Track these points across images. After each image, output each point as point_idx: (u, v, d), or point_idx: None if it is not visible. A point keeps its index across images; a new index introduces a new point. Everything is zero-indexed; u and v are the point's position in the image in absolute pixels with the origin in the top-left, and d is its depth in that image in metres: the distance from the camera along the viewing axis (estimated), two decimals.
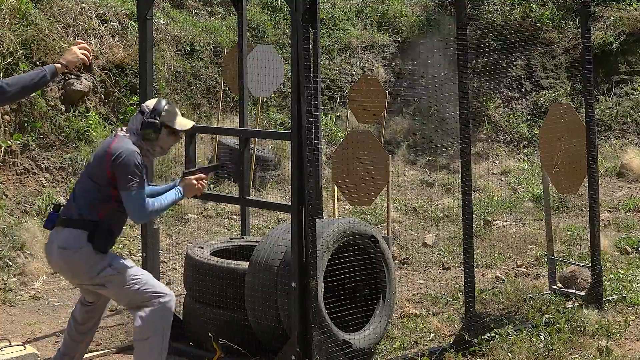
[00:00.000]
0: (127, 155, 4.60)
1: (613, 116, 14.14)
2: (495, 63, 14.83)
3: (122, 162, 4.58)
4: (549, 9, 15.46)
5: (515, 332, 5.63)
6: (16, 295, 7.20)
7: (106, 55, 11.63)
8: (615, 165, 12.53)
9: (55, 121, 10.31)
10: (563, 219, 9.82)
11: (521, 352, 5.36)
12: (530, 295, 6.68)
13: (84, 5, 11.97)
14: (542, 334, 5.63)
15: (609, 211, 10.26)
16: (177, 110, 4.89)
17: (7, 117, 9.83)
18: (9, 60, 10.22)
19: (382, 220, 9.73)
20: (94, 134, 10.58)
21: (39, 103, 10.10)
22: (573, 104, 13.44)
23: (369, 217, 10.01)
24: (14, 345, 4.98)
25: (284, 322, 5.21)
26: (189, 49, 12.91)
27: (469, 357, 5.45)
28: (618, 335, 5.79)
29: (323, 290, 5.29)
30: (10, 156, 9.76)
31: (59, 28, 11.26)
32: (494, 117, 14.50)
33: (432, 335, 6.02)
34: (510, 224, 9.73)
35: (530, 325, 5.83)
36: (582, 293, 6.47)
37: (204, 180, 5.01)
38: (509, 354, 5.35)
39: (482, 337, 5.52)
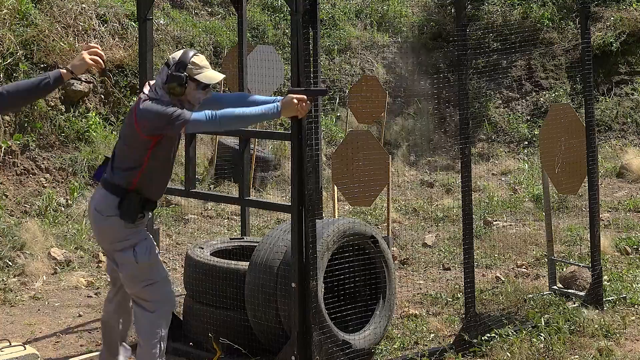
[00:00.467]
0: (149, 105, 4.41)
1: (613, 116, 14.14)
2: (495, 63, 14.83)
3: (147, 112, 4.40)
4: (549, 9, 15.46)
5: (515, 333, 5.64)
6: (16, 296, 7.20)
7: (106, 56, 11.62)
8: (615, 165, 12.53)
9: (55, 121, 10.31)
10: (563, 219, 9.82)
11: (521, 353, 5.36)
12: (530, 295, 6.68)
13: (84, 5, 11.97)
14: (542, 334, 5.63)
15: (609, 211, 10.25)
16: (205, 62, 4.61)
17: (7, 118, 9.84)
18: (9, 60, 10.22)
19: (382, 220, 9.73)
20: (94, 134, 10.58)
21: (39, 103, 10.10)
22: (573, 104, 13.44)
23: (369, 217, 10.01)
24: (14, 346, 4.98)
25: (284, 322, 5.21)
26: (189, 48, 12.90)
27: (469, 357, 5.45)
28: (618, 335, 5.79)
29: (323, 290, 5.29)
30: (10, 156, 9.76)
31: (59, 28, 11.26)
32: (494, 117, 14.50)
33: (432, 335, 6.02)
34: (511, 225, 9.73)
35: (530, 326, 5.83)
36: (582, 293, 6.47)
37: (306, 103, 4.58)
38: (508, 354, 5.35)
39: (482, 338, 5.52)
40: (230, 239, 6.39)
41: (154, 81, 4.62)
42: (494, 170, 13.05)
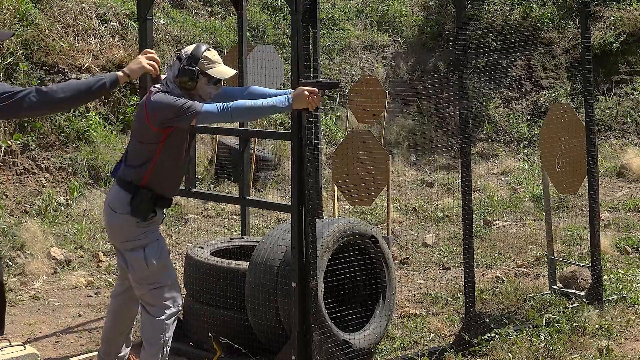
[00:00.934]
0: (160, 96, 4.38)
1: (613, 116, 14.14)
2: (495, 63, 14.83)
3: (157, 103, 4.37)
4: (549, 9, 15.46)
5: (515, 332, 5.64)
6: (16, 295, 7.20)
7: (106, 55, 11.62)
8: (615, 165, 12.53)
9: (55, 121, 10.31)
10: (563, 219, 9.82)
11: (521, 352, 5.36)
12: (530, 295, 6.68)
13: (84, 5, 11.96)
14: (542, 334, 5.63)
15: (609, 211, 10.25)
16: (217, 56, 4.57)
17: None
18: (9, 60, 10.22)
19: (382, 220, 9.73)
20: (94, 134, 10.58)
21: None
22: (573, 104, 13.44)
23: (369, 217, 10.01)
24: (14, 345, 4.98)
25: (284, 322, 5.21)
26: None
27: (469, 357, 5.45)
28: (618, 335, 5.79)
29: (323, 290, 5.29)
30: (10, 156, 9.76)
31: (59, 28, 11.26)
32: (494, 117, 14.50)
33: (432, 335, 6.02)
34: (511, 224, 9.73)
35: (530, 325, 5.83)
36: (582, 293, 6.47)
37: (317, 96, 4.52)
38: (509, 354, 5.35)
39: (482, 337, 5.52)
40: (230, 238, 6.39)
41: (164, 75, 4.59)
42: (494, 170, 13.05)
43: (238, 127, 6.53)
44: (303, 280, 4.96)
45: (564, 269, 7.25)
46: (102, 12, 12.17)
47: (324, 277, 5.29)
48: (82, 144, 10.46)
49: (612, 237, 8.65)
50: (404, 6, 16.04)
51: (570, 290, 6.68)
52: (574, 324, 5.84)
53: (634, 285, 6.91)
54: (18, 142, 9.85)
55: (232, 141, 11.15)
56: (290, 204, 5.06)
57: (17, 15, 10.76)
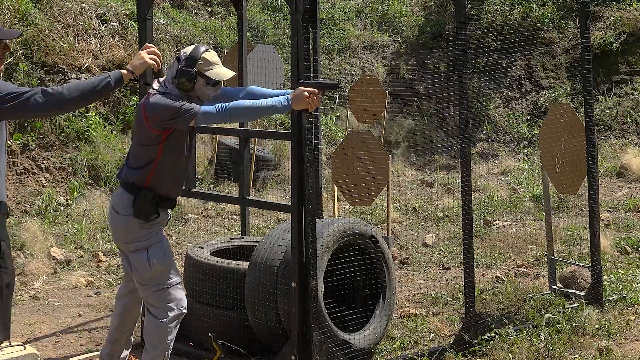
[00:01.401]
0: (157, 98, 4.37)
1: (613, 116, 14.14)
2: (495, 63, 14.83)
3: (155, 105, 4.35)
4: (549, 9, 15.46)
5: (515, 332, 5.64)
6: (16, 295, 7.20)
7: (106, 55, 11.63)
8: (615, 165, 12.53)
9: (55, 121, 10.32)
10: (563, 219, 9.82)
11: (521, 352, 5.35)
12: (530, 295, 6.68)
13: (84, 5, 11.97)
14: (542, 334, 5.63)
15: (609, 211, 10.26)
16: (216, 58, 4.55)
17: None
18: (9, 60, 10.22)
19: (382, 220, 9.73)
20: (94, 134, 10.58)
21: None
22: (573, 104, 13.44)
23: (369, 217, 10.01)
24: (14, 345, 4.97)
25: (284, 322, 5.21)
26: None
27: (469, 357, 5.45)
28: (618, 335, 5.79)
29: (323, 290, 5.29)
30: (10, 156, 9.76)
31: (59, 28, 11.26)
32: (494, 117, 14.50)
33: (432, 335, 6.02)
34: (510, 224, 9.73)
35: (530, 326, 5.82)
36: (582, 293, 6.46)
37: (317, 97, 4.51)
38: (509, 354, 5.35)
39: (482, 337, 5.52)
40: (230, 238, 6.39)
41: (163, 77, 4.57)
42: (494, 170, 13.05)
43: (238, 127, 6.53)
44: (303, 280, 4.96)
45: (564, 269, 7.25)
46: (102, 12, 12.17)
47: (324, 277, 5.29)
48: (82, 144, 10.46)
49: (612, 237, 8.66)
50: (404, 6, 16.04)
51: (570, 291, 6.68)
52: (574, 324, 5.84)
53: (633, 285, 6.91)
54: (18, 142, 9.85)
55: (232, 141, 11.15)
56: (290, 204, 5.06)
57: (17, 15, 10.76)
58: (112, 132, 10.89)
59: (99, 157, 10.38)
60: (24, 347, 4.99)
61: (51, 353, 5.85)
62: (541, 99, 14.54)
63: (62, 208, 9.50)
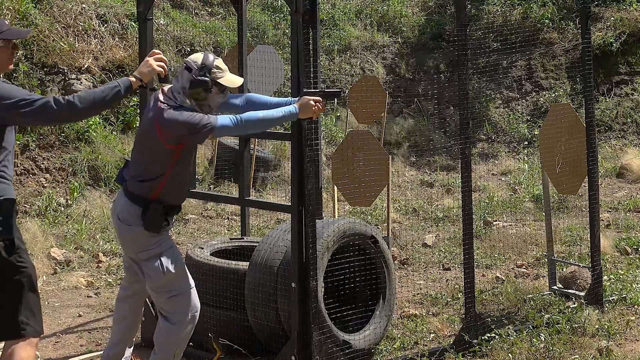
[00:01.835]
0: (173, 114, 4.28)
1: (613, 116, 14.15)
2: (496, 63, 14.83)
3: (171, 121, 4.26)
4: (549, 9, 15.46)
5: (515, 333, 5.64)
6: None
7: (106, 56, 11.63)
8: (615, 165, 12.53)
9: None
10: (563, 219, 9.82)
11: (521, 353, 5.35)
12: (530, 295, 6.68)
13: (84, 5, 11.97)
14: (542, 334, 5.63)
15: (609, 212, 10.26)
16: (224, 65, 4.52)
17: None
18: None
19: (382, 220, 9.73)
20: (94, 134, 10.58)
21: None
22: (573, 104, 13.44)
23: (369, 217, 10.01)
24: None
25: (284, 322, 5.21)
26: (189, 49, 12.91)
27: (469, 357, 5.45)
28: (618, 335, 5.79)
29: (323, 290, 5.29)
30: None
31: (59, 28, 11.26)
32: (494, 117, 14.50)
33: (432, 335, 6.02)
34: (510, 225, 9.73)
35: (530, 326, 5.82)
36: (582, 293, 6.46)
37: (321, 105, 4.58)
38: (509, 354, 5.35)
39: (482, 338, 5.52)
40: (230, 239, 6.39)
41: (168, 86, 4.47)
42: (494, 170, 13.06)
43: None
44: (303, 281, 4.96)
45: (564, 270, 7.25)
46: (102, 12, 12.17)
47: (324, 277, 5.29)
48: (82, 145, 10.46)
49: (612, 238, 8.66)
50: (404, 6, 16.04)
51: (570, 291, 6.68)
52: (574, 324, 5.84)
53: (634, 285, 6.91)
54: (18, 142, 9.85)
55: (232, 141, 11.15)
56: (290, 204, 5.06)
57: (17, 16, 10.76)
58: (112, 133, 10.89)
59: (99, 158, 10.38)
60: None
61: (51, 353, 5.85)
62: (541, 99, 14.54)
63: (62, 208, 9.50)
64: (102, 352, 5.80)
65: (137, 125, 10.05)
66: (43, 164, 10.03)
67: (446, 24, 15.54)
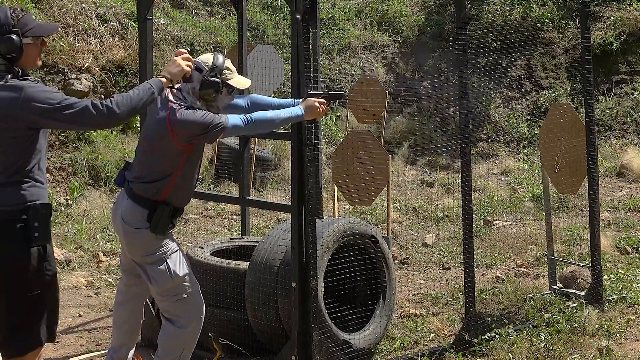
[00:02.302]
0: (186, 113, 4.25)
1: (613, 116, 14.15)
2: (496, 63, 14.84)
3: (185, 122, 4.23)
4: (549, 9, 15.46)
5: (515, 332, 5.64)
6: None
7: (106, 55, 11.63)
8: (615, 165, 12.53)
9: None
10: (563, 219, 9.82)
11: (521, 352, 5.36)
12: (530, 295, 6.68)
13: (84, 5, 11.97)
14: (542, 334, 5.63)
15: (609, 211, 10.26)
16: (233, 66, 4.53)
17: None
18: None
19: (382, 220, 9.73)
20: (94, 134, 10.57)
21: None
22: (573, 104, 13.44)
23: (369, 217, 10.01)
24: None
25: (284, 322, 5.21)
26: (189, 49, 12.92)
27: (469, 357, 5.45)
28: (618, 335, 5.79)
29: (323, 290, 5.29)
30: None
31: (59, 28, 11.25)
32: (494, 117, 14.51)
33: (432, 335, 6.02)
34: (511, 224, 9.73)
35: (530, 325, 5.83)
36: (582, 293, 6.47)
37: (326, 107, 4.63)
38: (509, 354, 5.35)
39: (482, 337, 5.52)
40: (231, 238, 6.39)
41: (178, 85, 4.42)
42: (494, 170, 13.06)
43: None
44: (303, 280, 4.96)
45: (564, 269, 7.25)
46: (102, 12, 12.17)
47: (324, 277, 5.29)
48: (82, 144, 10.46)
49: (612, 237, 8.66)
50: (404, 6, 16.04)
51: (570, 290, 6.68)
52: (574, 324, 5.84)
53: (634, 285, 6.91)
54: None
55: (232, 141, 11.15)
56: (290, 204, 5.06)
57: None
58: (112, 133, 10.89)
59: (99, 158, 10.38)
60: None
61: (51, 353, 5.85)
62: (541, 99, 14.54)
63: (62, 208, 9.50)
64: (102, 351, 5.82)
65: (138, 125, 10.05)
66: None
67: (446, 23, 15.54)
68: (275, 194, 11.17)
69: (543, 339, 5.56)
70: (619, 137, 13.90)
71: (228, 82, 4.46)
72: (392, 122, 13.99)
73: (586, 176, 6.52)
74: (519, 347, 5.41)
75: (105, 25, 12.02)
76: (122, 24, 12.23)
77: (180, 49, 4.39)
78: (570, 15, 15.36)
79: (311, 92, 4.77)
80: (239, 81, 4.54)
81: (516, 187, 11.73)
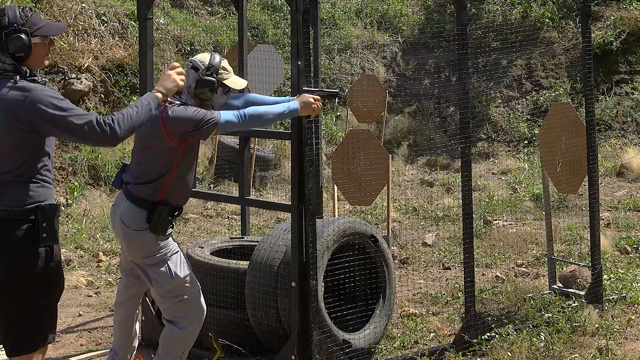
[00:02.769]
0: (178, 110, 4.27)
1: (613, 116, 14.14)
2: (496, 63, 14.84)
3: (177, 118, 4.26)
4: (549, 9, 15.46)
5: (515, 332, 5.63)
6: None
7: (106, 55, 11.63)
8: (615, 164, 12.53)
9: None
10: (563, 218, 9.82)
11: (521, 352, 5.36)
12: (530, 294, 6.68)
13: (84, 5, 11.97)
14: (542, 333, 5.63)
15: (609, 211, 10.26)
16: (229, 66, 4.55)
17: None
18: None
19: (382, 220, 9.73)
20: None
21: None
22: (573, 103, 13.45)
23: (369, 216, 10.01)
24: None
25: (284, 321, 5.22)
26: (189, 48, 12.92)
27: (469, 356, 5.45)
28: (618, 334, 5.79)
29: (323, 290, 5.29)
30: None
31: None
32: (494, 116, 14.51)
33: (432, 335, 6.02)
34: (510, 224, 9.73)
35: (530, 325, 5.82)
36: (582, 293, 6.47)
37: (320, 103, 4.64)
38: (509, 353, 5.35)
39: (482, 337, 5.52)
40: (230, 238, 6.39)
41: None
42: (494, 170, 13.06)
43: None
44: (303, 280, 4.96)
45: (564, 269, 7.25)
46: (102, 11, 12.17)
47: (324, 276, 5.30)
48: (82, 144, 10.46)
49: (612, 237, 8.66)
50: (404, 6, 16.04)
51: (570, 290, 6.68)
52: (574, 323, 5.84)
53: (634, 284, 6.91)
54: None
55: (232, 141, 11.15)
56: (290, 203, 5.06)
57: None
58: None
59: (99, 157, 10.38)
60: None
61: (51, 353, 5.85)
62: (541, 98, 14.54)
63: (62, 208, 9.50)
64: (102, 351, 5.83)
65: None
66: None
67: (446, 23, 15.54)
68: (275, 194, 11.17)
69: (543, 338, 5.56)
70: (619, 136, 13.90)
71: (224, 81, 4.49)
72: (392, 121, 13.99)
73: (586, 176, 6.52)
74: (519, 346, 5.41)
75: (105, 25, 12.02)
76: (122, 24, 12.23)
77: (174, 63, 4.39)
78: (570, 15, 15.36)
79: (306, 87, 4.77)
80: (234, 81, 4.55)
81: (516, 186, 11.73)
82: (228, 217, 10.16)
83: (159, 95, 4.05)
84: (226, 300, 5.51)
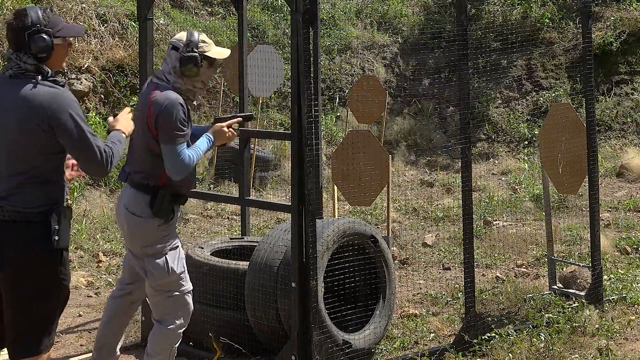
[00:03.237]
0: (172, 107, 4.31)
1: (613, 116, 14.15)
2: (496, 63, 14.84)
3: (166, 115, 4.29)
4: (549, 9, 15.46)
5: (515, 332, 5.63)
6: None
7: (106, 55, 11.62)
8: (615, 165, 12.53)
9: None
10: (563, 219, 9.82)
11: (521, 352, 5.35)
12: (530, 295, 6.68)
13: (84, 5, 11.97)
14: (542, 334, 5.62)
15: (609, 211, 10.26)
16: (209, 39, 4.59)
17: None
18: None
19: (382, 220, 9.73)
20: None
21: None
22: (573, 104, 13.45)
23: (369, 217, 10.01)
24: None
25: (284, 322, 5.21)
26: None
27: (469, 357, 5.44)
28: (618, 335, 5.79)
29: (323, 290, 5.29)
30: None
31: None
32: (494, 117, 14.51)
33: (432, 335, 6.02)
34: (510, 224, 9.73)
35: (530, 326, 5.82)
36: (582, 293, 6.46)
37: (235, 129, 4.72)
38: (509, 354, 5.35)
39: (482, 337, 5.52)
40: (230, 238, 6.39)
41: (161, 69, 4.52)
42: (494, 170, 13.06)
43: (238, 127, 6.53)
44: (303, 280, 4.96)
45: (564, 269, 7.25)
46: (102, 12, 12.17)
47: (324, 277, 5.29)
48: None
49: (612, 237, 8.66)
50: (404, 6, 16.04)
51: (570, 290, 6.68)
52: (574, 324, 5.83)
53: (634, 285, 6.91)
54: None
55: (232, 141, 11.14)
56: (290, 204, 5.06)
57: None
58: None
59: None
60: None
61: (51, 353, 5.85)
62: (541, 99, 14.55)
63: None
64: None
65: None
66: None
67: (446, 23, 15.54)
68: (275, 194, 11.17)
69: (543, 339, 5.56)
70: (619, 137, 13.90)
71: (206, 54, 4.49)
72: (392, 122, 13.99)
73: (586, 176, 6.52)
74: (519, 347, 5.41)
75: (105, 25, 12.02)
76: (122, 24, 12.23)
77: (127, 107, 4.48)
78: (570, 15, 15.36)
79: (217, 117, 4.83)
80: (217, 52, 4.56)
81: (516, 187, 11.73)
82: (228, 218, 10.16)
83: (124, 135, 4.15)
84: (226, 300, 5.51)
